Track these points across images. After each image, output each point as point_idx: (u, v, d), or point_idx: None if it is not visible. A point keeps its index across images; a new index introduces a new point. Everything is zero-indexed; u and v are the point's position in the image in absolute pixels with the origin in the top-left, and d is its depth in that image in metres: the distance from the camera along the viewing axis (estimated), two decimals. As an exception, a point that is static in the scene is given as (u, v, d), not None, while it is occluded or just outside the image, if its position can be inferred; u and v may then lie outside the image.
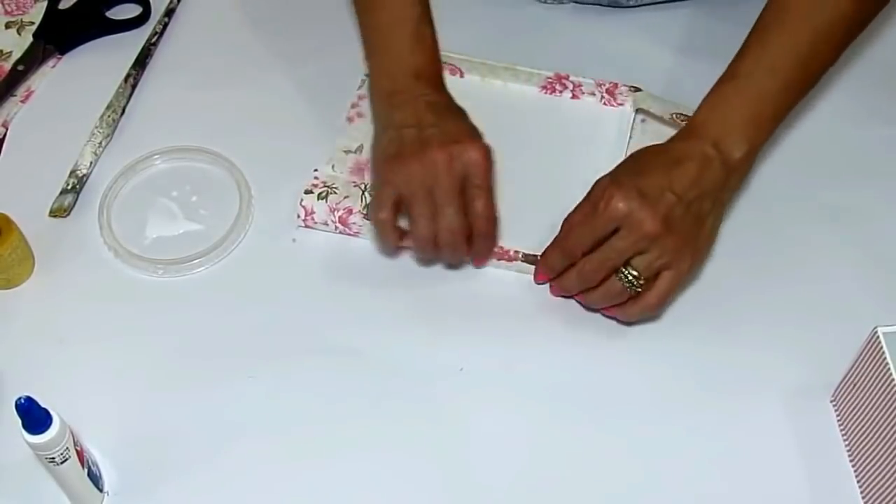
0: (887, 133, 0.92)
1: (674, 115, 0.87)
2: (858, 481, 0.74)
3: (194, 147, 0.91)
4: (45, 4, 1.00)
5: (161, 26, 0.99)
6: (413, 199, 0.77)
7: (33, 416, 0.64)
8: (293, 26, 0.99)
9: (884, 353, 0.69)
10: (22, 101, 0.94)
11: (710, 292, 0.83)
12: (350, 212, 0.84)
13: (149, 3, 1.00)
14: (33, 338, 0.81)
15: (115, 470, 0.74)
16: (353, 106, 0.92)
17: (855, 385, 0.73)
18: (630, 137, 0.88)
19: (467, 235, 0.78)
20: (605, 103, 0.91)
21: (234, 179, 0.89)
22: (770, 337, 0.81)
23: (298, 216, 0.85)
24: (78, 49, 0.98)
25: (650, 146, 0.79)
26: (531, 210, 0.85)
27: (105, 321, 0.82)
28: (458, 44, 0.92)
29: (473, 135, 0.78)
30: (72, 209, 0.87)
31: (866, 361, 0.71)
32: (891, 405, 0.68)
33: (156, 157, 0.90)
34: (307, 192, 0.85)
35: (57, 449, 0.66)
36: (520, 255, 0.83)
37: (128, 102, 0.94)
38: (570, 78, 0.92)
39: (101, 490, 0.73)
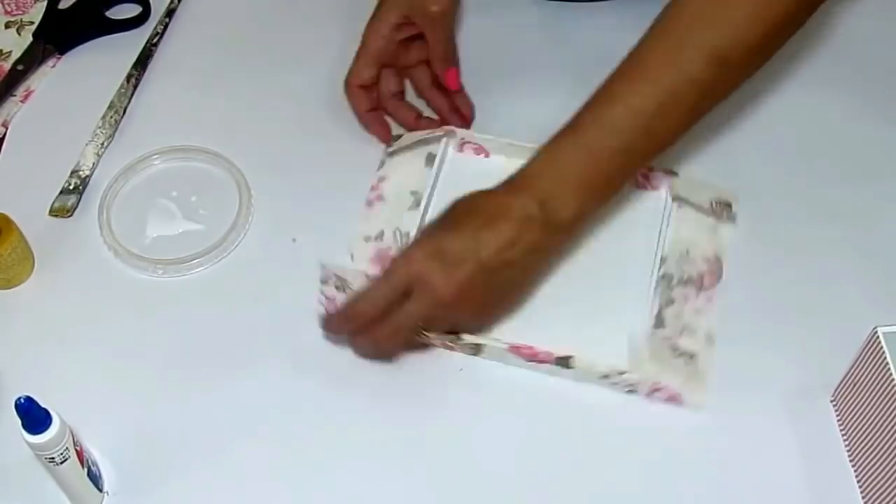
0: (887, 133, 0.92)
1: (713, 203, 0.83)
2: (858, 481, 0.74)
3: (194, 147, 0.91)
4: (44, 4, 1.00)
5: (162, 27, 0.99)
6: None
7: (33, 416, 0.64)
8: (294, 26, 0.99)
9: (884, 353, 0.69)
10: (22, 101, 0.94)
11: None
12: None
13: (149, 3, 1.00)
14: (33, 338, 0.81)
15: (115, 470, 0.74)
16: (373, 188, 0.88)
17: (855, 385, 0.73)
18: (667, 224, 0.83)
19: None
20: (638, 186, 0.86)
21: (234, 179, 0.89)
22: (770, 337, 0.80)
23: (320, 303, 0.80)
24: (78, 49, 0.98)
25: (471, 194, 0.73)
26: (559, 299, 0.81)
27: (105, 321, 0.82)
28: (464, 48, 0.93)
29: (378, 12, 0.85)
30: (75, 209, 0.87)
31: (866, 361, 0.71)
32: (891, 405, 0.68)
33: (156, 157, 0.90)
34: (323, 282, 0.80)
35: (57, 449, 0.66)
36: (552, 359, 0.76)
37: (129, 102, 0.94)
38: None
39: (100, 490, 0.73)
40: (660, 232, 0.83)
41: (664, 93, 0.70)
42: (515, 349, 0.77)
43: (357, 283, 0.78)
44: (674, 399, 0.76)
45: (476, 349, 0.78)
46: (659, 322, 0.79)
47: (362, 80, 0.88)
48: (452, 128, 0.89)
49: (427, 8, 0.84)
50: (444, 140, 0.88)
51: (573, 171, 0.71)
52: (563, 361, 0.76)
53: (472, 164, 0.85)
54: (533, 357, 0.77)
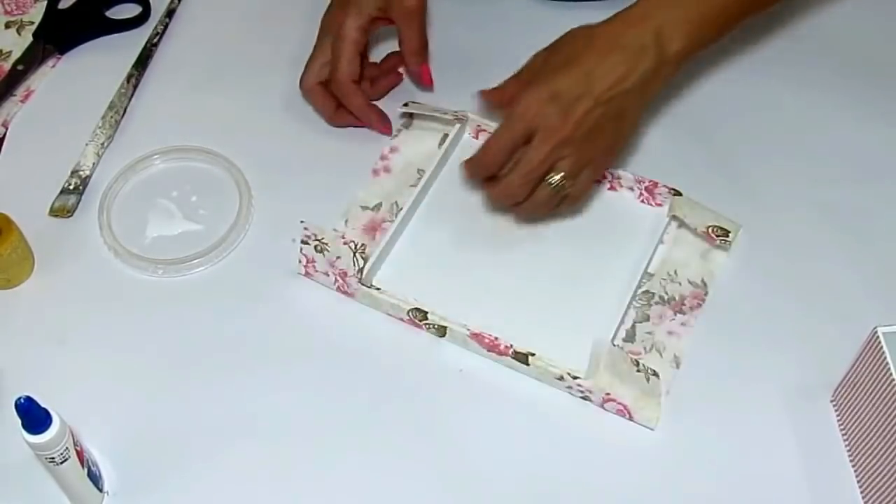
0: (887, 133, 0.92)
1: (709, 229, 0.81)
2: (858, 481, 0.74)
3: (194, 147, 0.91)
4: (44, 4, 1.00)
5: (162, 27, 0.99)
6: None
7: (33, 416, 0.64)
8: (294, 26, 0.99)
9: (884, 353, 0.69)
10: (22, 101, 0.94)
11: (710, 292, 0.83)
12: (345, 274, 0.81)
13: (149, 3, 1.00)
14: (33, 338, 0.81)
15: (115, 470, 0.74)
16: (383, 158, 0.89)
17: (855, 385, 0.73)
18: (661, 242, 0.83)
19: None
20: (642, 200, 0.86)
21: (234, 179, 0.89)
22: (770, 337, 0.81)
23: (300, 262, 0.82)
24: (78, 49, 0.98)
25: (583, 27, 0.76)
26: (541, 298, 0.82)
27: (105, 321, 0.82)
28: (459, 44, 0.92)
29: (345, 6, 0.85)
30: (75, 209, 0.87)
31: (866, 361, 0.71)
32: (891, 405, 0.68)
33: (156, 157, 0.90)
34: (304, 241, 0.81)
35: (57, 449, 0.66)
36: (510, 352, 0.77)
37: (129, 102, 0.94)
38: (609, 169, 0.86)
39: (100, 490, 0.73)
40: (654, 248, 0.82)
41: None
42: (477, 336, 0.77)
43: (334, 247, 0.79)
44: (624, 412, 0.76)
45: (441, 332, 0.78)
46: (630, 336, 0.79)
47: (354, 76, 0.87)
48: (468, 112, 0.89)
49: (404, 2, 0.85)
50: (459, 125, 0.89)
51: (689, 7, 0.74)
52: (522, 357, 0.77)
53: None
54: (493, 347, 0.77)
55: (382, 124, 0.90)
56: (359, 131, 0.92)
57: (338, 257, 0.80)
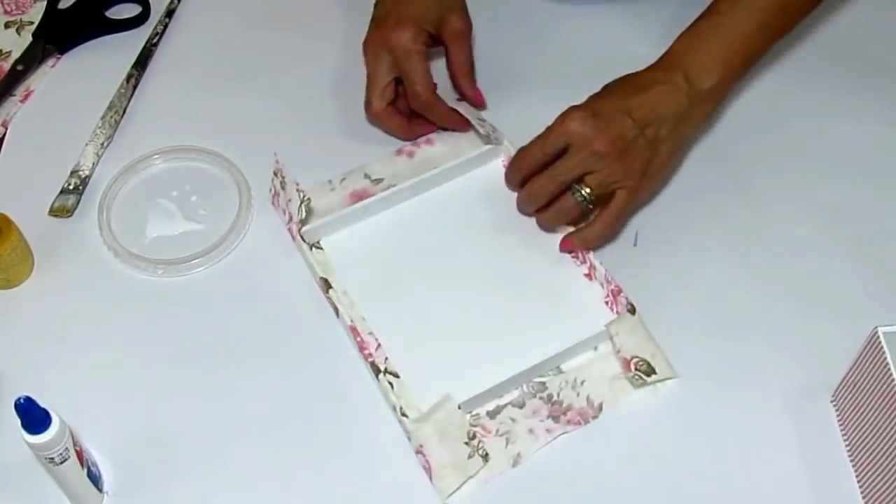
0: (886, 133, 0.92)
1: (633, 358, 0.76)
2: (858, 481, 0.74)
3: (194, 147, 0.91)
4: (44, 4, 1.00)
5: (161, 26, 0.99)
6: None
7: (33, 416, 0.64)
8: (294, 26, 0.99)
9: (884, 353, 0.69)
10: (21, 101, 0.94)
11: (710, 293, 0.83)
12: (291, 219, 0.82)
13: (148, 3, 1.00)
14: (33, 338, 0.81)
15: (115, 470, 0.74)
16: (414, 143, 0.90)
17: (855, 385, 0.73)
18: (594, 349, 0.79)
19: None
20: (607, 302, 0.81)
21: (234, 179, 0.89)
22: (770, 337, 0.81)
23: (270, 190, 0.86)
24: (77, 49, 0.98)
25: (621, 77, 0.81)
26: (459, 344, 0.79)
27: (105, 321, 0.82)
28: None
29: (404, 22, 0.83)
30: (75, 210, 0.87)
31: (866, 361, 0.71)
32: (891, 405, 0.68)
33: (156, 157, 0.90)
34: (274, 174, 0.84)
35: (56, 449, 0.66)
36: (370, 359, 0.77)
37: (129, 102, 0.94)
38: (590, 254, 0.82)
39: (100, 490, 0.73)
40: (582, 351, 0.78)
41: None
42: (353, 330, 0.78)
43: (289, 189, 0.81)
44: (427, 470, 0.73)
45: (336, 311, 0.79)
46: (493, 413, 0.76)
47: (433, 87, 0.86)
48: (504, 139, 0.88)
49: (455, 25, 0.85)
50: (488, 146, 0.88)
51: (714, 48, 0.79)
52: (375, 369, 0.76)
53: (502, 181, 0.86)
54: (361, 347, 0.78)
55: (463, 124, 0.90)
56: (360, 132, 0.92)
57: (289, 200, 0.82)
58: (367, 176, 0.88)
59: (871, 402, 0.71)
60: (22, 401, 0.63)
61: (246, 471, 0.75)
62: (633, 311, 0.78)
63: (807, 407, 0.77)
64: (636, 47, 0.97)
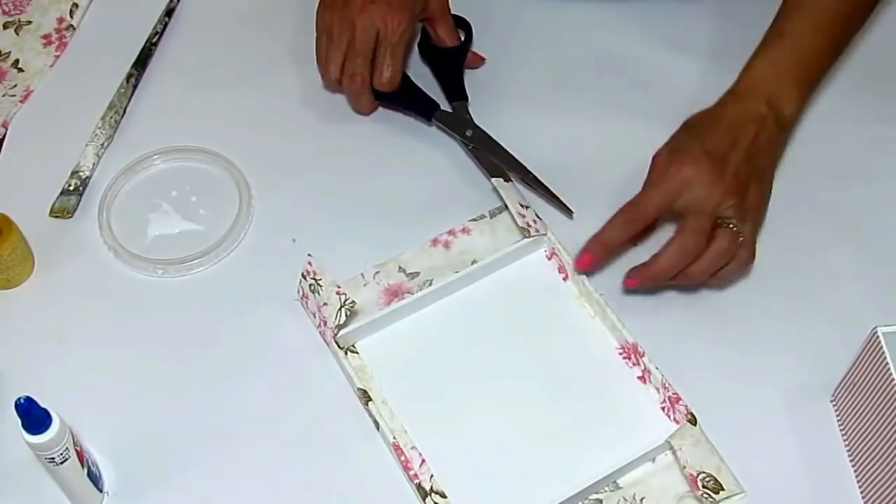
0: (886, 133, 0.92)
1: (699, 475, 0.72)
2: (858, 481, 0.74)
3: (194, 147, 0.91)
4: (44, 4, 1.00)
5: (161, 26, 0.99)
6: (329, 44, 0.86)
7: (33, 416, 0.64)
8: (293, 26, 0.99)
9: (884, 353, 0.69)
10: (21, 101, 0.94)
11: (710, 293, 0.83)
12: (325, 323, 0.78)
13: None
14: (33, 338, 0.81)
15: (115, 470, 0.74)
16: (450, 233, 0.85)
17: (855, 385, 0.73)
18: (651, 461, 0.75)
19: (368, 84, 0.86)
20: (663, 407, 0.77)
21: (234, 179, 0.89)
22: (770, 337, 0.81)
23: (298, 291, 0.81)
24: (77, 48, 0.98)
25: (700, 112, 0.81)
26: (505, 463, 0.75)
27: (105, 321, 0.82)
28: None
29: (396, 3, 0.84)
30: (75, 210, 0.87)
31: (866, 361, 0.71)
32: (891, 405, 0.68)
33: (156, 157, 0.90)
34: (303, 276, 0.79)
35: (57, 449, 0.66)
36: (416, 480, 0.72)
37: (129, 102, 0.94)
38: (645, 357, 0.78)
39: (100, 490, 0.73)
40: (640, 464, 0.75)
41: None
42: (397, 448, 0.74)
43: (327, 294, 0.77)
44: None
45: (376, 424, 0.75)
46: None
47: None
48: (548, 229, 0.83)
49: (438, 3, 0.89)
50: (528, 239, 0.83)
51: (789, 72, 0.80)
52: (423, 492, 0.72)
53: (545, 275, 0.83)
54: (406, 467, 0.73)
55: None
56: (360, 132, 0.91)
57: (325, 304, 0.77)
58: (401, 269, 0.83)
59: (870, 402, 0.71)
60: (22, 401, 0.63)
61: (246, 471, 0.75)
62: (693, 421, 0.74)
63: (806, 407, 0.77)
64: (635, 47, 0.97)
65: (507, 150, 0.87)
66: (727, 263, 0.77)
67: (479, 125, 0.89)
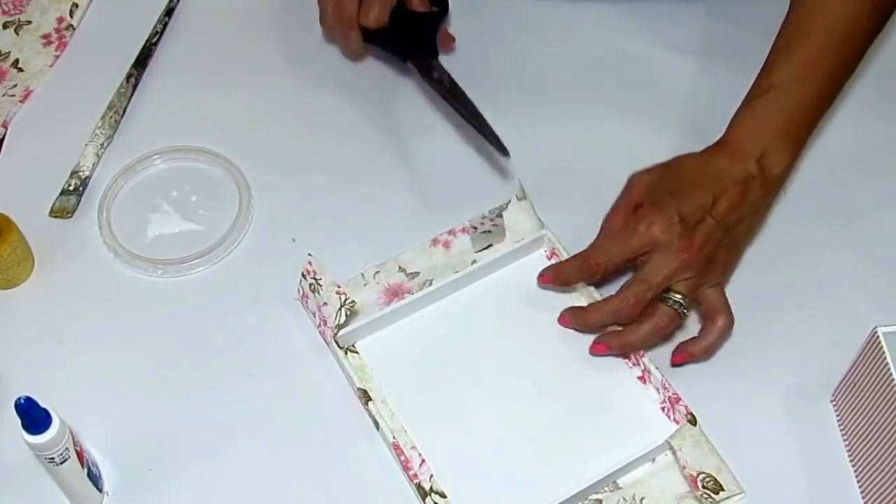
0: (887, 133, 0.92)
1: (699, 476, 0.72)
2: (858, 481, 0.74)
3: (194, 147, 0.91)
4: (44, 4, 1.00)
5: (161, 26, 0.99)
6: None
7: (33, 416, 0.64)
8: (293, 26, 0.99)
9: (884, 353, 0.69)
10: (21, 101, 0.94)
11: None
12: (325, 323, 0.78)
13: None
14: (33, 338, 0.81)
15: (115, 470, 0.74)
16: (451, 233, 0.85)
17: (855, 385, 0.73)
18: (651, 461, 0.75)
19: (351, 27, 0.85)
20: (663, 408, 0.77)
21: (234, 179, 0.89)
22: (770, 337, 0.81)
23: (298, 291, 0.81)
24: (77, 48, 0.98)
25: (688, 157, 0.78)
26: (503, 462, 0.75)
27: (105, 321, 0.82)
28: (461, 44, 0.92)
29: None
30: (75, 210, 0.87)
31: (866, 361, 0.71)
32: (891, 405, 0.68)
33: (156, 157, 0.90)
34: (303, 275, 0.79)
35: (57, 449, 0.66)
36: (415, 481, 0.72)
37: (129, 102, 0.94)
38: (645, 357, 0.78)
39: (100, 490, 0.73)
40: (640, 464, 0.74)
41: (839, 40, 0.78)
42: (396, 448, 0.74)
43: (327, 294, 0.77)
44: None
45: (376, 424, 0.75)
46: None
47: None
48: (548, 233, 0.84)
49: None
50: (535, 240, 0.83)
51: (777, 128, 0.77)
52: (422, 492, 0.72)
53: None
54: (405, 467, 0.73)
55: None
56: (360, 132, 0.92)
57: (325, 303, 0.77)
58: (401, 269, 0.83)
59: (870, 402, 0.71)
60: (22, 401, 0.63)
61: (246, 470, 0.75)
62: (693, 421, 0.74)
63: (806, 407, 0.77)
64: (635, 47, 0.97)
65: (467, 95, 0.86)
66: (670, 338, 0.77)
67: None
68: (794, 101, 0.77)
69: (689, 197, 0.75)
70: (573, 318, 0.79)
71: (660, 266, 0.74)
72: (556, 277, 0.80)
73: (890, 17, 0.80)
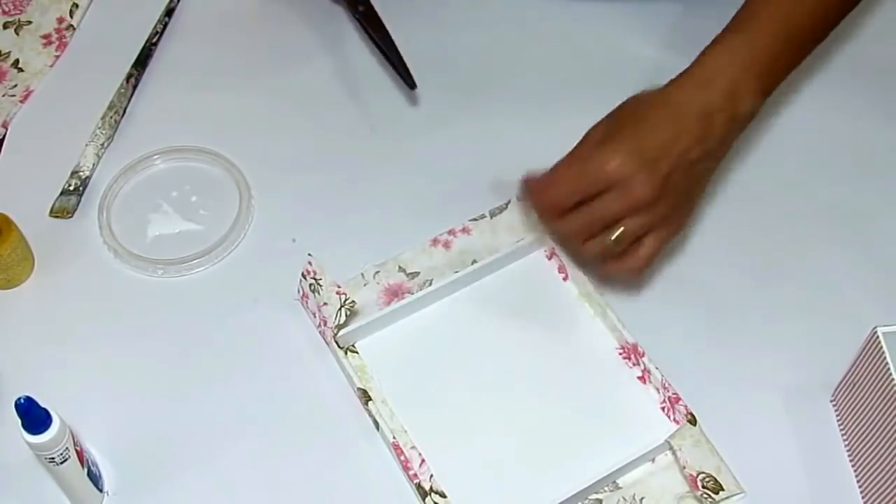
0: (886, 132, 0.92)
1: (699, 475, 0.72)
2: (858, 481, 0.74)
3: (194, 147, 0.91)
4: (44, 4, 1.00)
5: (161, 26, 0.99)
6: None
7: (33, 416, 0.64)
8: (293, 26, 0.99)
9: (884, 353, 0.69)
10: (21, 101, 0.94)
11: (711, 292, 0.83)
12: (325, 323, 0.78)
13: None
14: (33, 338, 0.81)
15: (115, 470, 0.74)
16: (450, 233, 0.85)
17: (855, 385, 0.73)
18: (651, 461, 0.75)
19: None
20: (663, 408, 0.77)
21: (234, 179, 0.89)
22: (770, 337, 0.81)
23: (298, 291, 0.81)
24: (77, 48, 0.98)
25: (648, 92, 0.74)
26: (505, 463, 0.75)
27: (105, 321, 0.82)
28: (454, 43, 0.92)
29: None
30: (75, 210, 0.87)
31: (866, 361, 0.71)
32: (890, 405, 0.68)
33: (156, 157, 0.90)
34: (303, 275, 0.79)
35: (57, 449, 0.66)
36: (415, 480, 0.72)
37: (129, 102, 0.94)
38: (645, 357, 0.78)
39: (100, 490, 0.73)
40: (640, 464, 0.74)
41: None
42: (396, 448, 0.73)
43: (327, 294, 0.77)
44: None
45: (376, 425, 0.75)
46: None
47: None
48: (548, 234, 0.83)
49: None
50: (534, 240, 0.84)
51: (750, 61, 0.73)
52: (422, 491, 0.72)
53: (545, 275, 0.82)
54: (405, 467, 0.73)
55: None
56: (360, 132, 0.91)
57: (325, 304, 0.77)
58: (401, 269, 0.83)
59: (870, 402, 0.71)
60: (22, 401, 0.63)
61: (246, 471, 0.75)
62: (693, 421, 0.74)
63: (806, 407, 0.77)
64: (641, 47, 0.97)
65: (388, 30, 0.89)
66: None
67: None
68: (768, 41, 0.73)
69: (648, 134, 0.71)
70: (529, 189, 0.75)
71: (615, 202, 0.71)
72: (523, 193, 0.76)
73: None
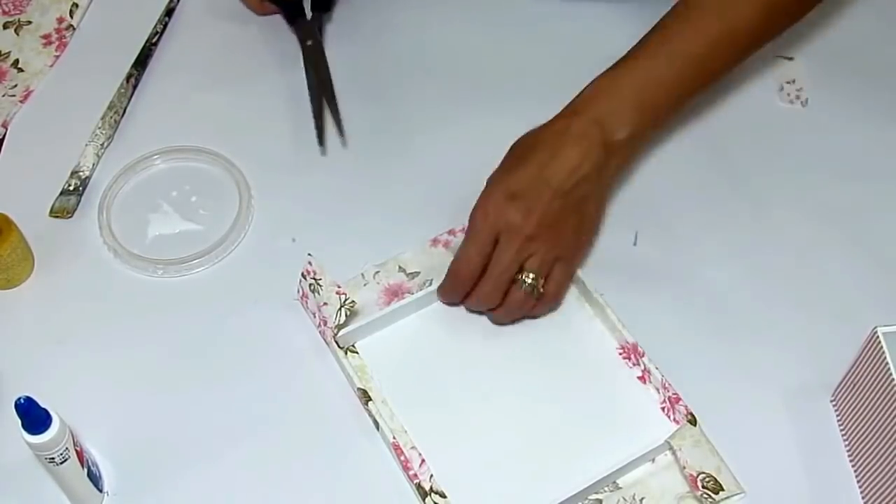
0: (886, 133, 0.92)
1: (699, 475, 0.72)
2: (858, 481, 0.74)
3: (194, 147, 0.91)
4: (44, 4, 1.00)
5: (161, 26, 0.99)
6: None
7: (33, 416, 0.64)
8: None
9: (884, 353, 0.69)
10: (21, 101, 0.94)
11: (710, 292, 0.83)
12: (325, 323, 0.78)
13: None
14: (33, 338, 0.81)
15: (115, 470, 0.74)
16: (451, 233, 0.85)
17: (855, 385, 0.73)
18: (651, 461, 0.75)
19: None
20: (663, 408, 0.77)
21: (234, 179, 0.89)
22: (770, 337, 0.81)
23: (298, 291, 0.81)
24: (77, 48, 0.98)
25: (530, 131, 0.76)
26: (505, 463, 0.75)
27: (105, 321, 0.82)
28: (454, 43, 0.92)
29: None
30: (75, 210, 0.87)
31: (866, 361, 0.71)
32: (891, 405, 0.68)
33: (156, 157, 0.90)
34: (303, 275, 0.79)
35: (57, 449, 0.66)
36: (415, 481, 0.72)
37: (129, 102, 0.94)
38: (645, 357, 0.78)
39: (100, 490, 0.73)
40: (640, 464, 0.74)
41: (721, 33, 0.75)
42: (396, 448, 0.73)
43: (327, 294, 0.77)
44: None
45: (376, 424, 0.75)
46: None
47: None
48: None
49: None
50: None
51: (628, 94, 0.74)
52: (422, 492, 0.72)
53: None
54: (405, 467, 0.73)
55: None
56: (359, 132, 0.92)
57: (325, 304, 0.77)
58: (401, 269, 0.83)
59: (870, 402, 0.71)
60: (22, 401, 0.63)
61: (246, 471, 0.75)
62: (693, 421, 0.74)
63: (806, 407, 0.77)
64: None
65: (330, 71, 0.91)
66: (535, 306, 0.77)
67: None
68: (651, 76, 0.75)
69: (519, 172, 0.74)
70: (446, 294, 0.79)
71: (505, 248, 0.74)
72: (445, 299, 0.80)
73: (789, 26, 0.79)
